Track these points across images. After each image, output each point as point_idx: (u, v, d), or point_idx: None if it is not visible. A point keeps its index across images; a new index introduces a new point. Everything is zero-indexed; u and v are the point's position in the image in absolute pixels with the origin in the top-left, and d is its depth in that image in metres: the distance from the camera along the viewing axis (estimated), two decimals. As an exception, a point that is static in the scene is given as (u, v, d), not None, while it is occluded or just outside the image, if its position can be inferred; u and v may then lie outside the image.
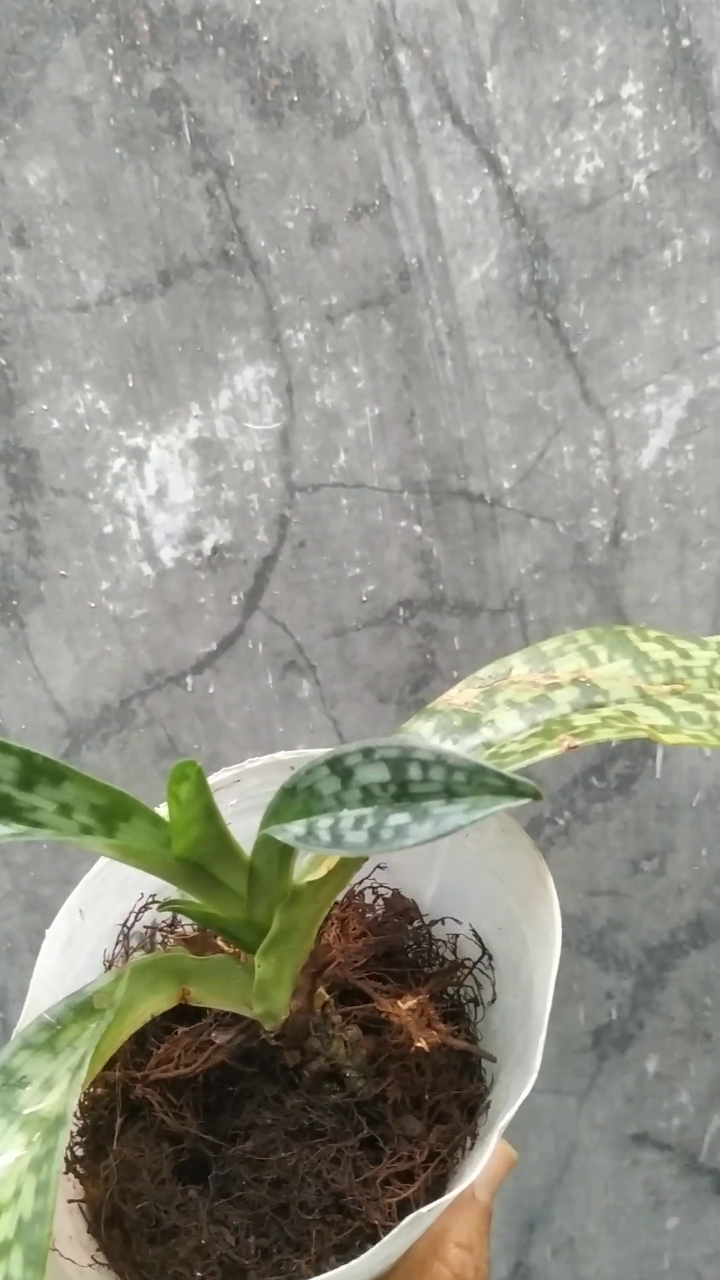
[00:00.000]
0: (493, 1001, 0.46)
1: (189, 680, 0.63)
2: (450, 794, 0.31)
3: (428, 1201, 0.40)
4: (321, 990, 0.42)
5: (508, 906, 0.46)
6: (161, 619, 0.61)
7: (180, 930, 0.49)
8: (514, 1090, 0.40)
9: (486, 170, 0.53)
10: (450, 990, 0.47)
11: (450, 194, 0.54)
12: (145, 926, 0.48)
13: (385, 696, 0.63)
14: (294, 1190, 0.39)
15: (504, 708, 0.42)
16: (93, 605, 0.61)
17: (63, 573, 0.60)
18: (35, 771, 0.33)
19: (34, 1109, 0.31)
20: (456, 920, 0.48)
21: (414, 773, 0.31)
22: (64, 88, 0.52)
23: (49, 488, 0.58)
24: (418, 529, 0.60)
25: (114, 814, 0.35)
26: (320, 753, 0.45)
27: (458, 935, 0.48)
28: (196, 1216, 0.38)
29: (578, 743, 0.38)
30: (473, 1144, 0.42)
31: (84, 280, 0.55)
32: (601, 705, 0.42)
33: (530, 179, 0.54)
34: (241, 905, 0.37)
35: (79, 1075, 0.30)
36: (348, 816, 0.32)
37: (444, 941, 0.48)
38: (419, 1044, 0.42)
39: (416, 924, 0.49)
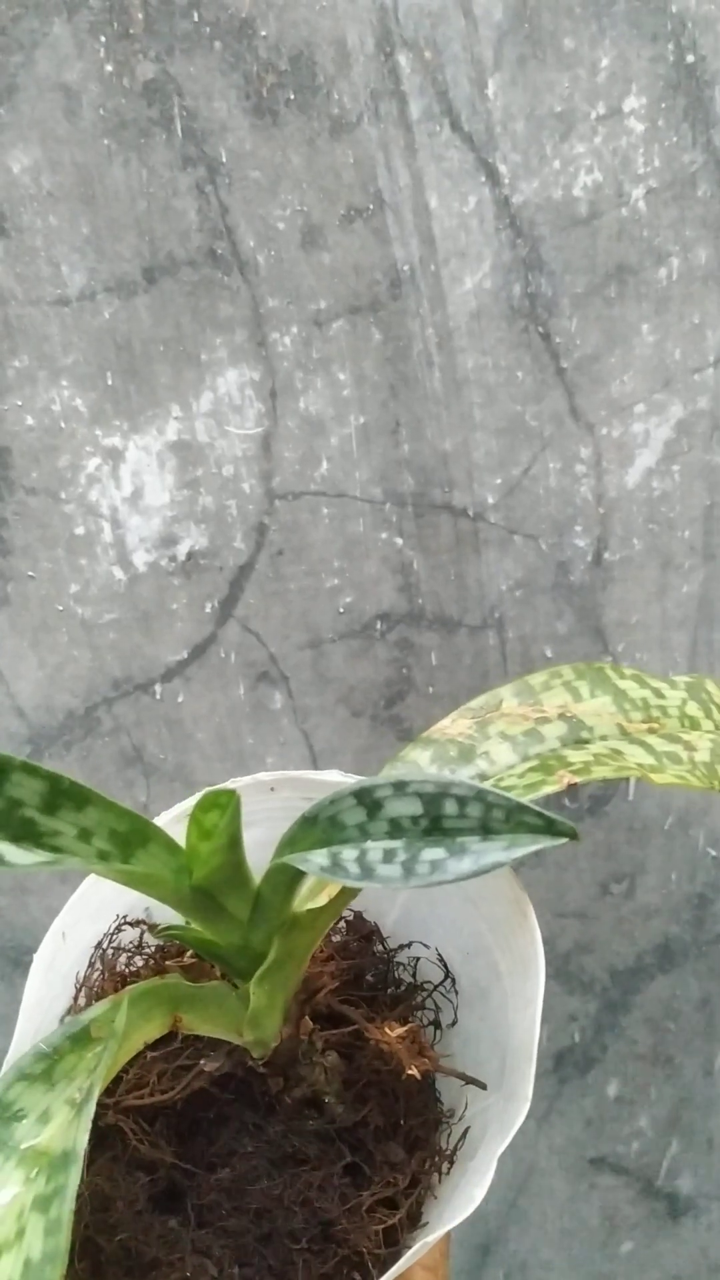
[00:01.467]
0: (453, 1024, 0.46)
1: (158, 688, 0.61)
2: (486, 831, 0.31)
3: (411, 1227, 0.39)
4: (307, 1018, 0.41)
5: (479, 933, 0.46)
6: (131, 625, 0.59)
7: (145, 952, 0.47)
8: (495, 1117, 0.40)
9: (484, 179, 0.52)
10: (408, 1014, 0.47)
11: (446, 201, 0.53)
12: (110, 948, 0.46)
13: (359, 711, 0.62)
14: (279, 1219, 0.38)
15: (497, 740, 0.43)
16: (61, 608, 0.59)
17: (31, 574, 0.58)
18: (60, 795, 0.32)
19: (31, 1143, 0.30)
20: (424, 945, 0.48)
21: (449, 808, 0.31)
22: (53, 74, 0.50)
23: (20, 486, 0.56)
24: (399, 541, 0.59)
25: (132, 840, 0.34)
26: (310, 775, 0.45)
27: (418, 959, 0.48)
28: (179, 1248, 0.37)
29: (577, 779, 0.39)
30: (449, 1169, 0.42)
31: (65, 274, 0.53)
32: (588, 741, 0.43)
33: (528, 189, 0.53)
34: (241, 932, 0.37)
35: (87, 1109, 0.29)
36: (374, 848, 0.32)
37: (404, 965, 0.48)
38: (410, 1071, 0.41)
39: (379, 948, 0.48)
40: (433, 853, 0.31)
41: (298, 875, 0.36)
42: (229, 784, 0.44)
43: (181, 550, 0.58)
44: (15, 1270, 0.27)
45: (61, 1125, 0.30)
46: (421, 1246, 0.34)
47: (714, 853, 0.66)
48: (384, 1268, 0.38)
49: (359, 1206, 0.39)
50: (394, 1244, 0.38)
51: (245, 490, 0.57)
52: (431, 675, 0.61)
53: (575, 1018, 0.70)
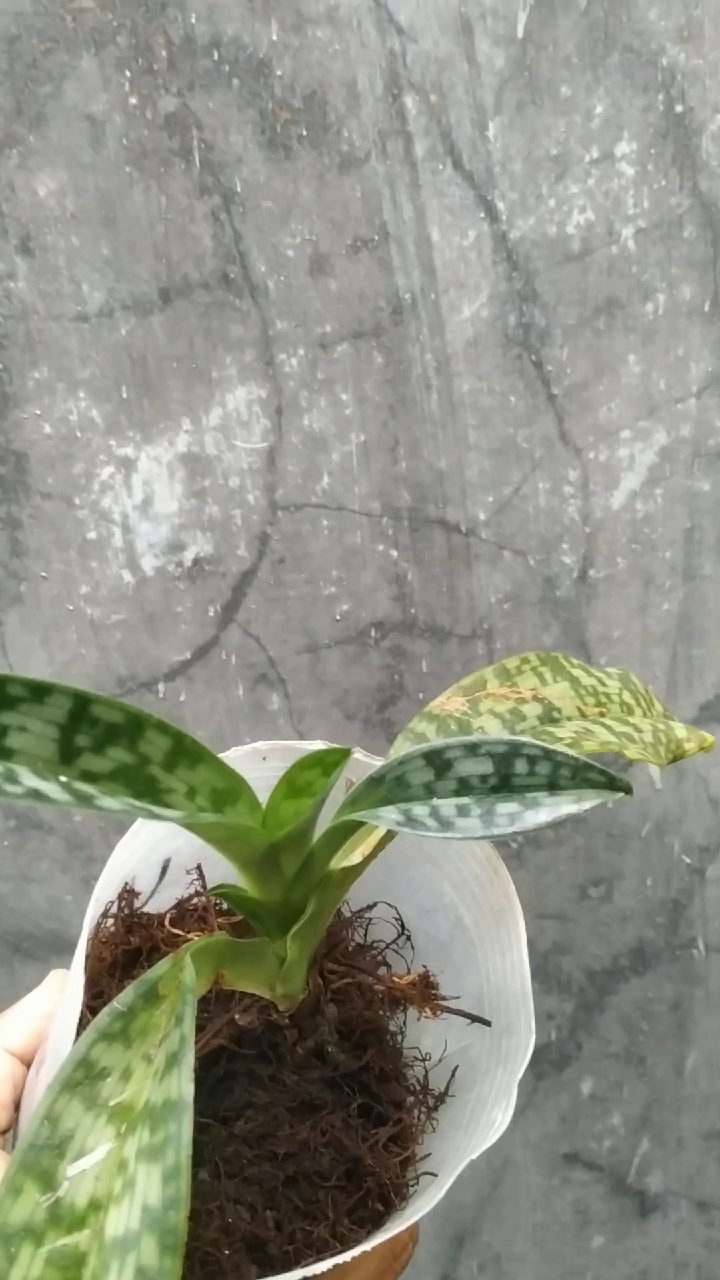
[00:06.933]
0: (406, 974, 0.49)
1: (161, 687, 0.64)
2: (553, 787, 0.33)
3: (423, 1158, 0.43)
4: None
5: (440, 891, 0.48)
6: (138, 626, 0.62)
7: (137, 909, 0.48)
8: (486, 1053, 0.43)
9: (483, 215, 0.56)
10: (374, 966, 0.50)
11: (447, 235, 0.56)
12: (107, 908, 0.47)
13: (352, 714, 0.65)
14: (305, 1162, 0.40)
15: (488, 716, 0.46)
16: (71, 608, 0.62)
17: (43, 575, 0.61)
18: (181, 754, 0.33)
19: (118, 1100, 0.31)
20: (389, 905, 0.50)
21: (520, 767, 0.33)
22: (80, 105, 0.53)
23: (36, 491, 0.59)
24: (394, 553, 0.62)
25: (226, 797, 0.34)
26: (297, 744, 0.46)
27: (371, 919, 0.50)
28: (214, 1198, 0.39)
29: (573, 752, 0.41)
30: (436, 1104, 0.45)
31: (85, 292, 0.56)
32: (558, 721, 0.46)
33: (524, 226, 0.56)
34: (283, 889, 0.37)
35: (186, 1057, 0.30)
36: (446, 805, 0.34)
37: (359, 924, 0.51)
38: (425, 1015, 0.44)
39: (344, 910, 0.51)
40: (507, 806, 0.33)
41: (349, 833, 0.37)
42: (230, 752, 0.45)
43: (188, 556, 0.61)
44: (133, 1218, 0.27)
45: (141, 1080, 0.31)
46: (457, 1168, 0.37)
47: (689, 860, 0.69)
48: (402, 1197, 0.41)
49: (378, 1143, 0.41)
50: (408, 1176, 0.41)
51: (250, 501, 0.60)
52: (422, 681, 0.64)
53: (552, 1016, 0.73)
